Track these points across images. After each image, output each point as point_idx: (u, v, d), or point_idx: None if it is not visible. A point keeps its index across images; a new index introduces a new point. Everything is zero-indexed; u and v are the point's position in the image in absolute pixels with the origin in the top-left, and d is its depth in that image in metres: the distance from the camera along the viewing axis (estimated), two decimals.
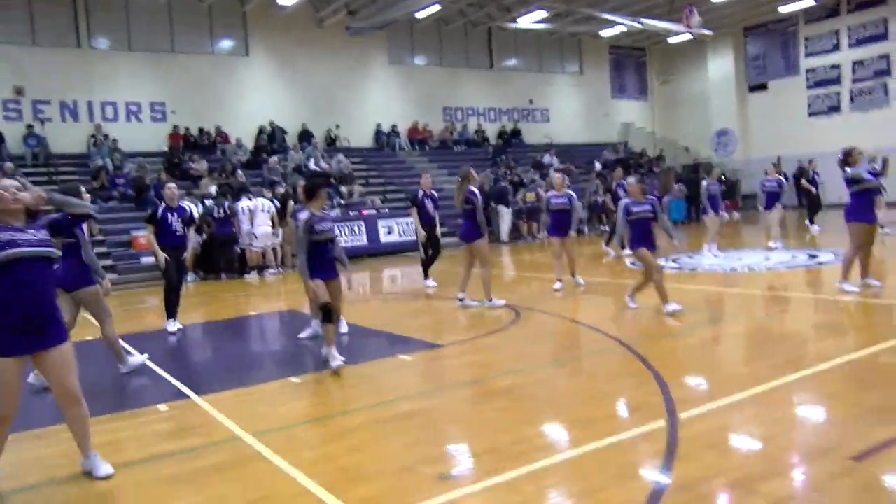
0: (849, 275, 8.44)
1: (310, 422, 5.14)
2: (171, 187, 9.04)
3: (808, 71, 27.06)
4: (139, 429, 5.13)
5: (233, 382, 6.29)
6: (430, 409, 5.17)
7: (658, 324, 7.64)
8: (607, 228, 21.56)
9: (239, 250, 15.93)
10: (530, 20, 24.00)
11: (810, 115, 26.82)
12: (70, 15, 20.15)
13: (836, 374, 5.27)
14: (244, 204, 15.75)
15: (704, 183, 13.89)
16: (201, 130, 21.63)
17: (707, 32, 22.36)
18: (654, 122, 31.64)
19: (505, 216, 20.26)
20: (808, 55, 27.02)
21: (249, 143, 22.14)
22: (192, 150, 20.79)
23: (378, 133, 24.92)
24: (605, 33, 26.98)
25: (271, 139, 22.47)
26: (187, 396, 5.84)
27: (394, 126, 25.11)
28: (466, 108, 27.24)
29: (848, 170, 8.35)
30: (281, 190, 16.91)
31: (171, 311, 9.07)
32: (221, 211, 15.49)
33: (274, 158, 20.92)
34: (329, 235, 6.46)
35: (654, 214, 8.01)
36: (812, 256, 12.28)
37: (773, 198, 13.82)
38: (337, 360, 6.24)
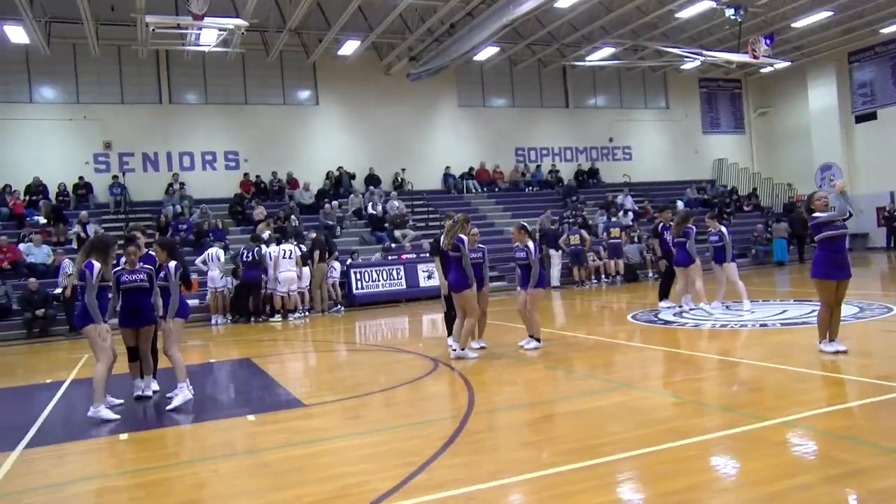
0: (825, 334, 7.42)
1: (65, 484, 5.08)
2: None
3: None
4: None
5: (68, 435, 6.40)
6: (177, 478, 4.97)
7: (546, 391, 6.94)
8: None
9: (268, 294, 16.36)
10: (599, 57, 23.32)
11: None
12: (154, 75, 21.95)
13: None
14: (270, 249, 16.20)
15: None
16: (275, 175, 22.62)
17: (779, 62, 20.58)
18: (752, 158, 29.44)
19: (555, 260, 19.51)
20: None
21: (318, 189, 22.85)
22: (261, 196, 21.74)
23: (447, 176, 24.92)
24: (691, 65, 25.65)
25: (337, 184, 23.07)
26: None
27: (471, 168, 25.05)
28: (540, 148, 26.64)
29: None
30: (312, 236, 17.24)
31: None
32: (250, 255, 15.96)
33: (335, 203, 21.44)
34: (134, 286, 7.22)
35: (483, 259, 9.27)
36: None
37: None
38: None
